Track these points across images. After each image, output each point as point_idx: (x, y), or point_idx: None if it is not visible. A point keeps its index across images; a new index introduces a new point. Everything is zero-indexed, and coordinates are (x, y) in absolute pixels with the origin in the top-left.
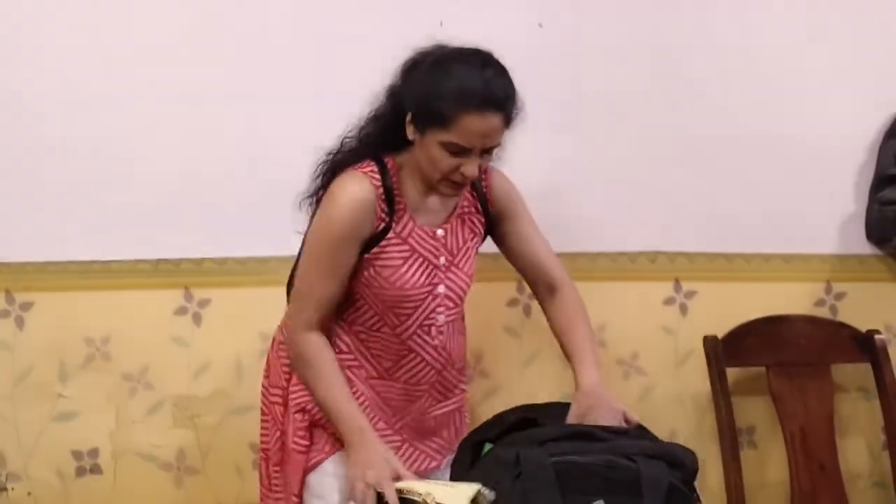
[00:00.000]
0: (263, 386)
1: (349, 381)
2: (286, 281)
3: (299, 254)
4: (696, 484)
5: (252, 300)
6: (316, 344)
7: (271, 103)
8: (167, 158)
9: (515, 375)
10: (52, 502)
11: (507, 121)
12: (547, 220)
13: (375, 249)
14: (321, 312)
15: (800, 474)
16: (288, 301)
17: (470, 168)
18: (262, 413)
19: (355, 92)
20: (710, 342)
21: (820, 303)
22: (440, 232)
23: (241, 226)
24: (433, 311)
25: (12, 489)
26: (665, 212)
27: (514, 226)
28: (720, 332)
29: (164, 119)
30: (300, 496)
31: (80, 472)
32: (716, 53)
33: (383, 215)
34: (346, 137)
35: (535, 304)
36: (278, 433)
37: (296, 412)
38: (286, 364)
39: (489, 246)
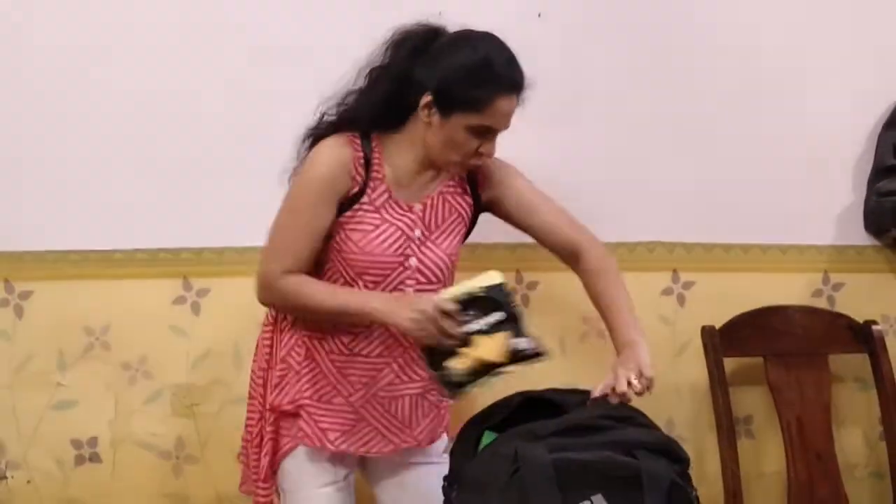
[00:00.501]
0: (252, 370)
1: (310, 352)
2: None
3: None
4: (692, 473)
5: (250, 290)
6: (298, 276)
7: (269, 94)
8: (166, 148)
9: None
10: (52, 490)
11: (520, 100)
12: None
13: (348, 213)
14: (296, 263)
15: (796, 464)
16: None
17: (490, 147)
18: (249, 397)
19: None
20: (707, 332)
21: (817, 293)
22: (418, 206)
23: (239, 215)
24: (402, 282)
25: (12, 477)
26: (663, 202)
27: (515, 204)
28: (718, 323)
29: (162, 109)
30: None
31: (80, 460)
32: (715, 45)
33: (359, 178)
34: (326, 113)
35: (532, 294)
36: (258, 415)
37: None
38: (267, 345)
39: (485, 237)
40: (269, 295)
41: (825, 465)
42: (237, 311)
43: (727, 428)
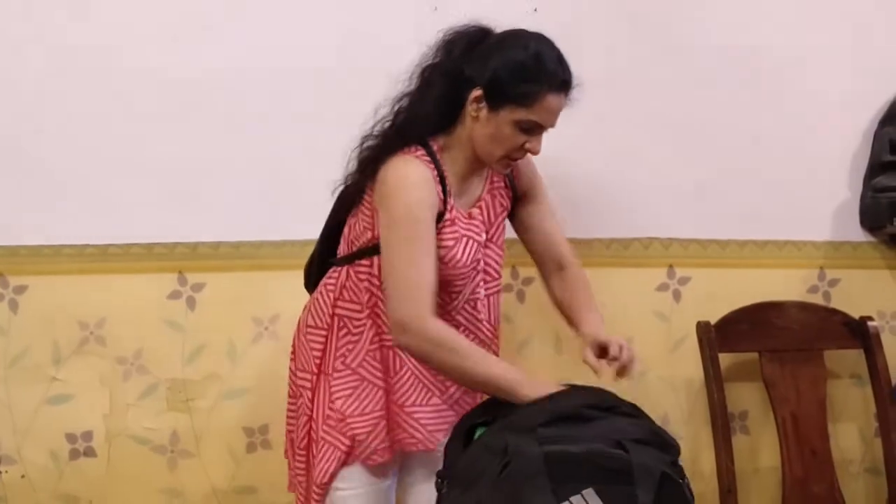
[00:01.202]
0: (290, 370)
1: (402, 361)
2: (304, 264)
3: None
4: (683, 465)
5: (246, 284)
6: (447, 328)
7: (267, 90)
8: (162, 143)
9: (509, 361)
10: (46, 485)
11: (568, 99)
12: None
13: (436, 232)
14: (433, 296)
15: (791, 460)
16: (310, 287)
17: (536, 144)
18: (290, 396)
19: (350, 78)
20: (703, 328)
21: (813, 289)
22: (475, 211)
23: (235, 210)
24: (477, 286)
25: (6, 472)
26: (659, 198)
27: (535, 204)
28: (713, 318)
29: (159, 104)
30: (324, 488)
31: (74, 454)
32: (712, 41)
33: (441, 196)
34: (380, 122)
35: (528, 290)
36: (305, 418)
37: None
38: (318, 349)
39: None
40: (413, 340)
41: (820, 461)
42: (232, 305)
43: (722, 424)
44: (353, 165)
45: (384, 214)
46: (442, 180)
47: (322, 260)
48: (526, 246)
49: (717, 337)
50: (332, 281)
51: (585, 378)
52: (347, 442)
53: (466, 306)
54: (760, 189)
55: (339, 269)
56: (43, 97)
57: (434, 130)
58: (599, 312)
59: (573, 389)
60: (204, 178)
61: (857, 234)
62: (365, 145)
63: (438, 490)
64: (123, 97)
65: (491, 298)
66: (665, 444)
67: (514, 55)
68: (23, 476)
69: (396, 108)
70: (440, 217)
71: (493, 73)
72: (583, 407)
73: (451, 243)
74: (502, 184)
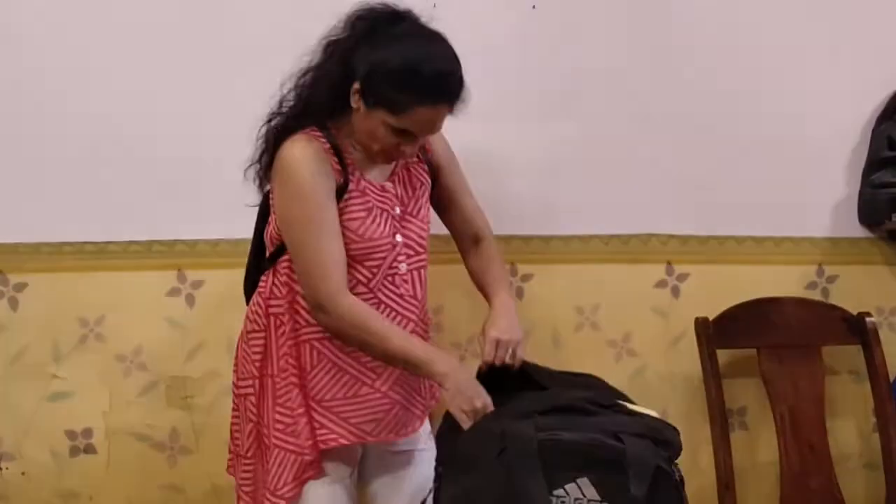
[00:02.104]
0: (233, 384)
1: (325, 355)
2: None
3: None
4: (681, 463)
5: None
6: (360, 305)
7: (266, 86)
8: (161, 140)
9: None
10: (47, 482)
11: (453, 111)
12: (539, 203)
13: (341, 204)
14: (342, 273)
15: (790, 455)
16: (249, 300)
17: (410, 150)
18: (233, 410)
19: None
20: (701, 324)
21: (812, 286)
22: (388, 185)
23: (234, 207)
24: (395, 260)
25: (6, 469)
26: (658, 195)
27: (449, 178)
28: (711, 315)
29: (158, 102)
30: (278, 495)
31: (74, 451)
32: (710, 38)
33: (338, 167)
34: (283, 99)
35: (526, 286)
36: (251, 425)
37: (279, 406)
38: (258, 352)
39: None
40: (327, 318)
41: (818, 456)
42: (231, 302)
43: (720, 419)
44: (259, 144)
45: (278, 193)
46: (338, 153)
47: (254, 268)
48: (444, 223)
49: (716, 333)
50: (263, 283)
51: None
52: (295, 442)
53: (385, 281)
54: (759, 185)
55: (268, 272)
56: (43, 95)
57: (331, 111)
58: (507, 288)
59: (580, 380)
60: (203, 175)
61: (856, 230)
62: (270, 123)
63: (437, 473)
64: (123, 95)
65: (415, 273)
66: (663, 441)
67: (393, 57)
68: (23, 473)
69: (300, 82)
70: (344, 189)
71: (370, 71)
72: (582, 400)
73: (362, 214)
74: (417, 158)
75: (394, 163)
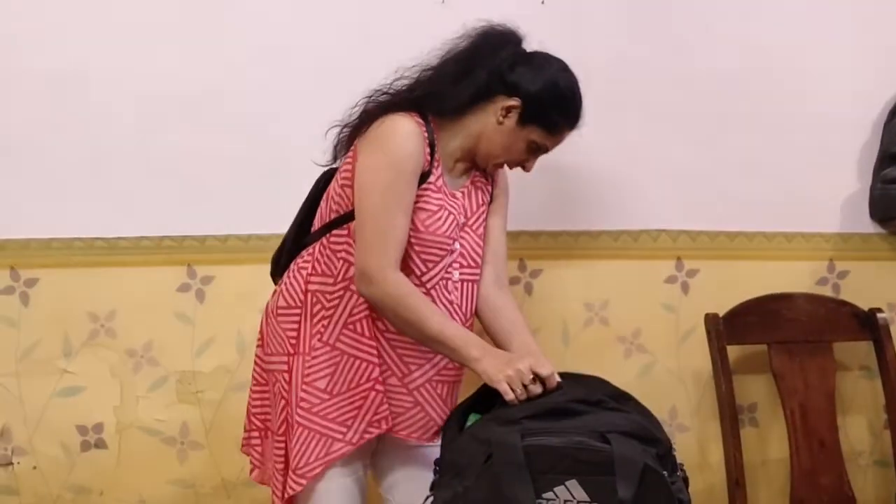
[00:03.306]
0: (258, 357)
1: (367, 333)
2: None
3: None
4: (691, 459)
5: (254, 277)
6: (407, 282)
7: (274, 83)
8: (170, 136)
9: None
10: (58, 476)
11: None
12: (550, 198)
13: (419, 191)
14: (400, 251)
15: (800, 452)
16: (278, 274)
17: (532, 164)
18: (259, 384)
19: (357, 71)
20: (711, 320)
21: (822, 281)
22: (459, 194)
23: (243, 203)
24: (450, 265)
25: (18, 463)
26: (667, 190)
27: (497, 215)
28: (722, 310)
29: (167, 97)
30: (301, 474)
31: (85, 446)
32: (719, 32)
33: (428, 158)
34: (397, 81)
35: (535, 283)
36: (283, 402)
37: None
38: (293, 329)
39: None
40: (371, 289)
41: (829, 453)
42: (241, 298)
43: (731, 416)
44: (356, 112)
45: (370, 158)
46: (431, 145)
47: (294, 244)
48: None
49: (726, 329)
50: (306, 258)
51: (594, 371)
52: (324, 424)
53: (439, 283)
54: (769, 181)
55: (313, 245)
56: (53, 93)
57: (445, 110)
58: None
59: (566, 380)
60: (212, 171)
61: (867, 225)
62: (373, 98)
63: (434, 476)
64: (134, 91)
65: (465, 285)
66: (651, 438)
67: (563, 83)
68: (34, 467)
69: (419, 76)
70: (425, 177)
71: (539, 92)
72: (570, 401)
73: (433, 207)
74: (483, 180)
75: (465, 178)
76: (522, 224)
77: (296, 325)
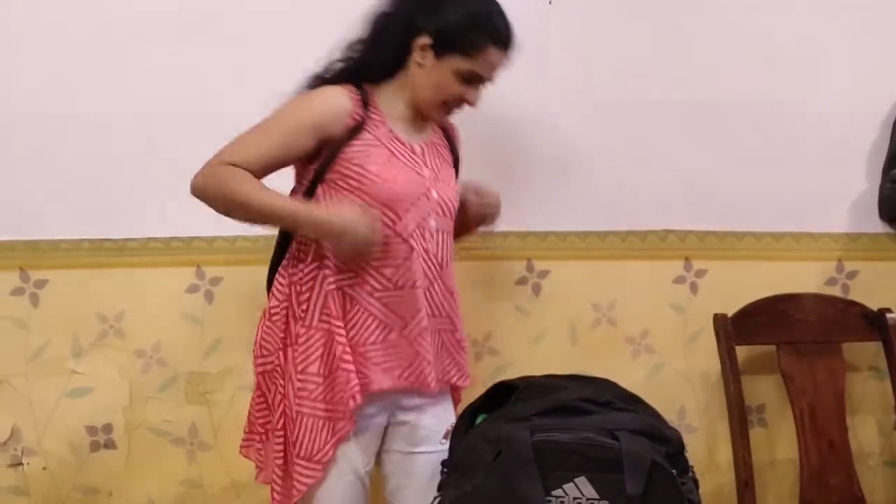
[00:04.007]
0: (255, 363)
1: (351, 298)
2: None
3: None
4: (700, 460)
5: (263, 278)
6: (232, 169)
7: (284, 85)
8: (178, 137)
9: (524, 353)
10: (67, 477)
11: (508, 59)
12: (557, 198)
13: (353, 147)
14: (253, 165)
15: (809, 452)
16: (269, 290)
17: (475, 95)
18: (259, 389)
19: None
20: (719, 320)
21: (831, 281)
22: (418, 148)
23: None
24: (427, 213)
25: (27, 464)
26: (675, 190)
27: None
28: (730, 311)
29: (175, 99)
30: (313, 460)
31: (95, 446)
32: (726, 31)
33: (357, 118)
34: (331, 63)
35: (543, 283)
36: (280, 397)
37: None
38: (282, 324)
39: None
40: (202, 179)
41: (838, 453)
42: (250, 299)
43: (739, 416)
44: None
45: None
46: (365, 106)
47: (280, 252)
48: None
49: (734, 329)
50: (287, 258)
51: (602, 372)
52: (326, 406)
53: (415, 233)
54: (777, 181)
55: (291, 244)
56: (61, 94)
57: (379, 76)
58: None
59: (575, 381)
60: None
61: (876, 225)
62: (310, 78)
63: (441, 476)
64: (141, 93)
65: (441, 235)
66: (660, 436)
67: (466, 5)
68: (44, 468)
69: (348, 53)
70: (355, 133)
71: (444, 21)
72: (579, 400)
73: (382, 159)
74: (442, 142)
75: (421, 137)
76: (530, 225)
77: (284, 320)
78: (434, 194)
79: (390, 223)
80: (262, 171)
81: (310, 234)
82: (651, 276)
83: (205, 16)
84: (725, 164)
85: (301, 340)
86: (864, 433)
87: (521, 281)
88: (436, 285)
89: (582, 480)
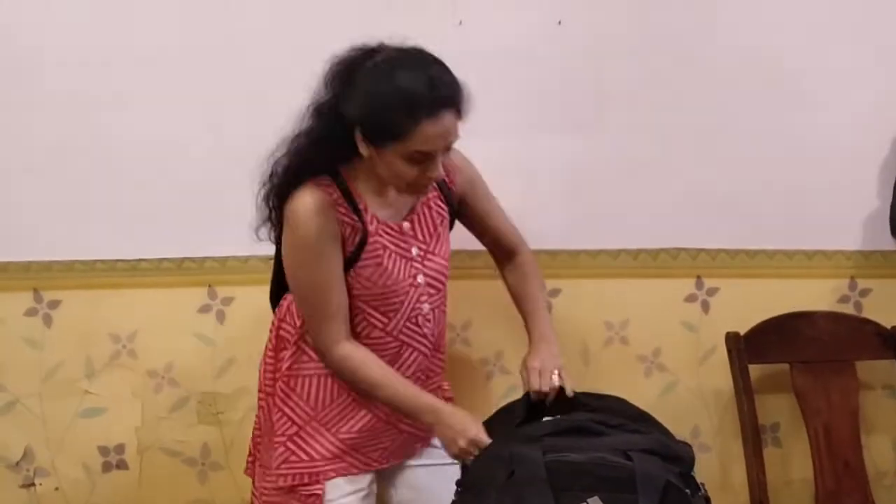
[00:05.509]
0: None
1: (341, 392)
2: None
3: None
4: (713, 480)
5: None
6: (353, 357)
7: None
8: (191, 157)
9: None
10: (79, 497)
11: (460, 113)
12: (569, 217)
13: (363, 253)
14: (342, 321)
15: (824, 472)
16: (274, 308)
17: (435, 171)
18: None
19: None
20: (732, 339)
21: (844, 299)
22: (406, 225)
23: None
24: (417, 301)
25: (40, 484)
26: (687, 208)
27: (477, 204)
28: (743, 329)
29: (188, 119)
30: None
31: (107, 467)
32: (736, 49)
33: (348, 219)
34: (275, 166)
35: (555, 301)
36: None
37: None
38: (270, 369)
39: None
40: (328, 363)
41: (853, 473)
42: (262, 319)
43: (753, 436)
44: (263, 207)
45: (285, 236)
46: (351, 200)
47: (278, 287)
48: (482, 244)
49: (747, 348)
50: (281, 304)
51: (615, 391)
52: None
53: (408, 323)
54: (789, 198)
55: (287, 294)
56: (74, 115)
57: (337, 164)
58: (544, 312)
59: (587, 398)
60: (232, 192)
61: (888, 242)
62: (269, 186)
63: (455, 495)
64: (154, 114)
65: (436, 313)
66: (674, 456)
67: (378, 89)
68: (56, 488)
69: (292, 147)
70: (365, 240)
71: (362, 114)
72: (591, 421)
73: (375, 262)
74: (436, 194)
75: (413, 201)
76: (541, 243)
77: (272, 366)
78: (420, 279)
79: (380, 324)
80: (346, 320)
81: (431, 424)
82: (663, 295)
83: (224, 39)
84: (737, 182)
85: (283, 397)
86: (879, 452)
87: None
88: (432, 357)
89: (595, 500)
